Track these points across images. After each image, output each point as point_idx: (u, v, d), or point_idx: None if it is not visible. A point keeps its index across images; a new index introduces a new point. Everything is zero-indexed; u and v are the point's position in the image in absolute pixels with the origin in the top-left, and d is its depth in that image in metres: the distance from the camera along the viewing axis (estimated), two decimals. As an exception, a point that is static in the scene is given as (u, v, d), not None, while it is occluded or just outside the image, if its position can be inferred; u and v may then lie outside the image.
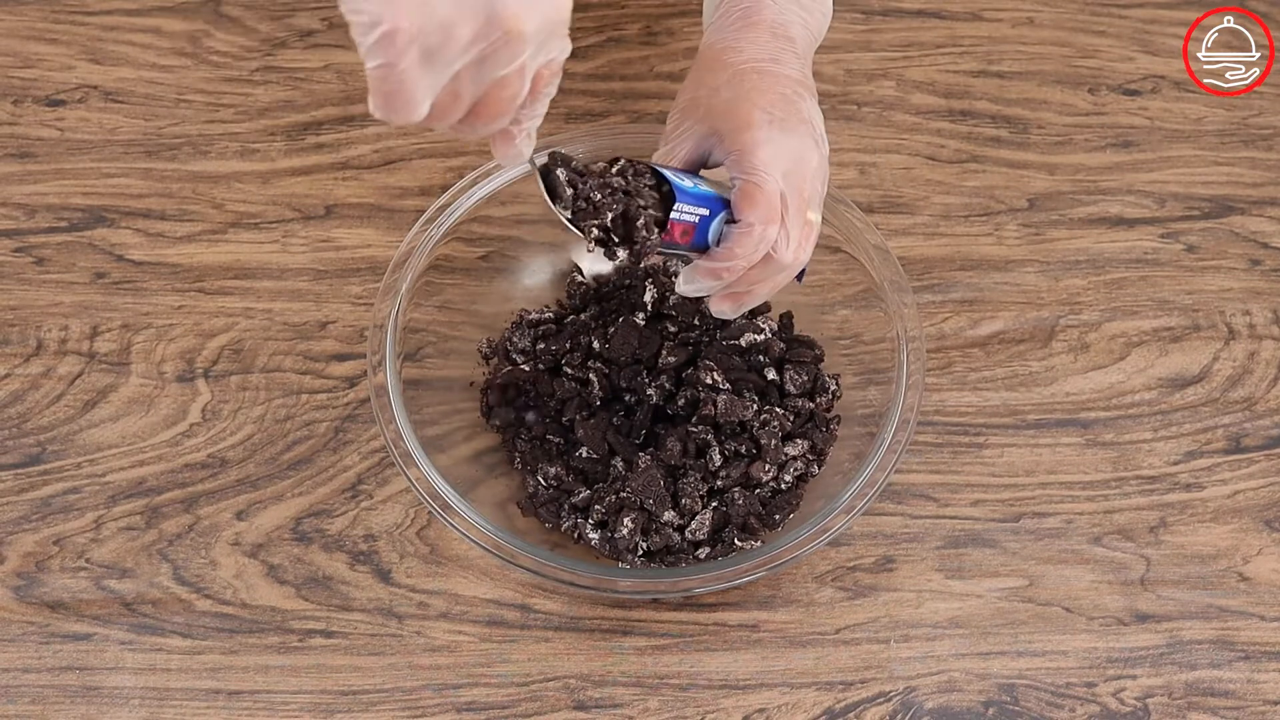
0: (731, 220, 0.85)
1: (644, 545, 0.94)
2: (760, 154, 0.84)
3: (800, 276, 0.91)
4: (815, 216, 0.87)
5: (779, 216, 0.84)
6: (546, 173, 0.82)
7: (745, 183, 0.84)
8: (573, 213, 0.82)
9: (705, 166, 0.88)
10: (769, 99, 0.86)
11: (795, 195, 0.85)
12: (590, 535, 0.94)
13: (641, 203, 0.83)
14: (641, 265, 0.96)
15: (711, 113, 0.87)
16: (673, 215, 0.83)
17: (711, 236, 0.85)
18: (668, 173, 0.84)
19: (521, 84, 0.72)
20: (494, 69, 0.70)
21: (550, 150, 0.83)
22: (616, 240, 0.83)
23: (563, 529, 0.96)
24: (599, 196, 0.82)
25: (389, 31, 0.64)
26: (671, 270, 1.02)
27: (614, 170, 0.84)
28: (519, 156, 0.77)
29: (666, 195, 0.84)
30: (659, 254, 0.85)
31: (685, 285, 0.87)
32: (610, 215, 0.82)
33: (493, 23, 0.67)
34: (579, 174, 0.83)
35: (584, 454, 0.97)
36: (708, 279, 0.86)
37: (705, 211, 0.84)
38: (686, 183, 0.84)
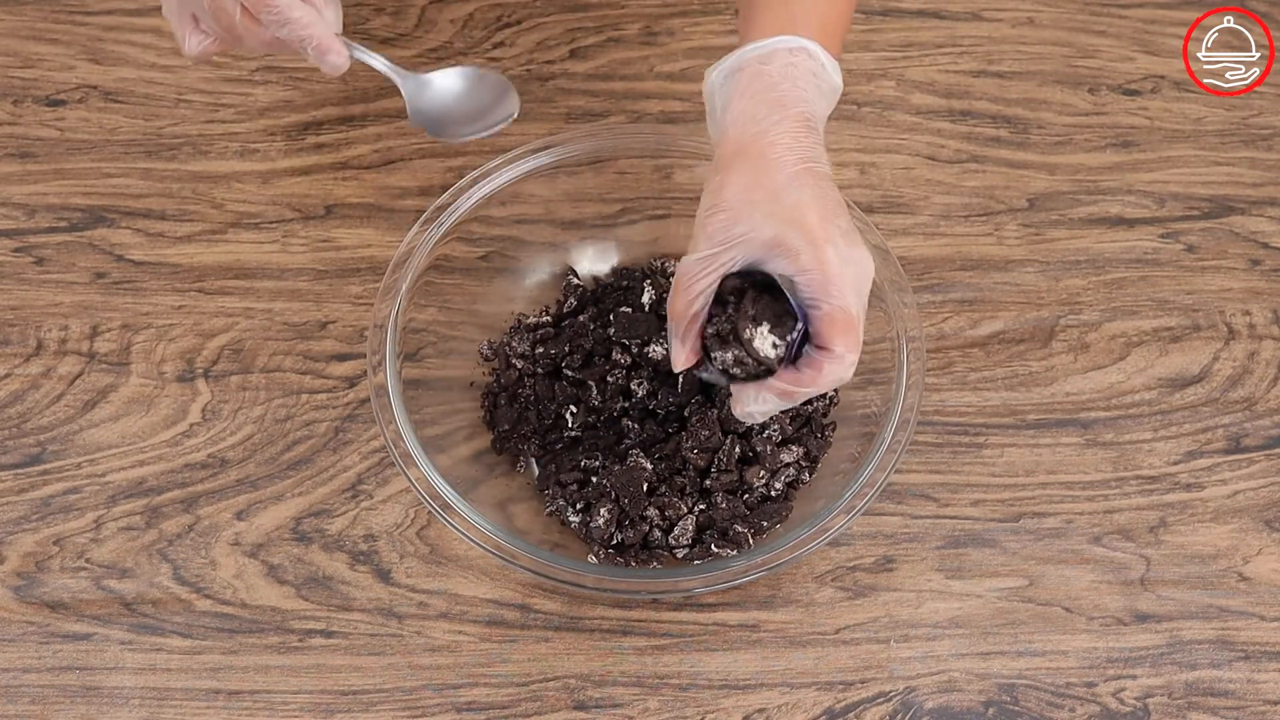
0: (808, 339, 0.81)
1: (619, 537, 0.94)
2: (843, 277, 0.79)
3: None
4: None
5: (861, 343, 0.80)
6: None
7: (833, 309, 0.79)
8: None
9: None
10: (830, 208, 0.81)
11: (863, 314, 0.81)
12: (571, 519, 0.94)
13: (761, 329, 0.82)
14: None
15: (774, 219, 0.80)
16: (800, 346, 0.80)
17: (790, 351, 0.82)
18: (792, 300, 0.80)
19: None
20: None
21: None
22: (739, 372, 0.82)
23: (547, 511, 0.96)
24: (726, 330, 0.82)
25: None
26: (724, 394, 0.96)
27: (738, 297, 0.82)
28: (339, 57, 0.86)
29: (771, 306, 0.81)
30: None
31: (754, 405, 0.82)
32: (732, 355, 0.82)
33: None
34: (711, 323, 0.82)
35: (584, 457, 0.98)
36: (782, 399, 0.81)
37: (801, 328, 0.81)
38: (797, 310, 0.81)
